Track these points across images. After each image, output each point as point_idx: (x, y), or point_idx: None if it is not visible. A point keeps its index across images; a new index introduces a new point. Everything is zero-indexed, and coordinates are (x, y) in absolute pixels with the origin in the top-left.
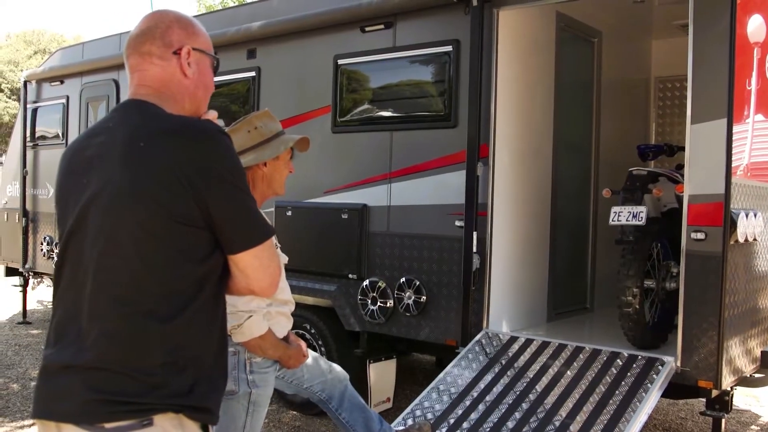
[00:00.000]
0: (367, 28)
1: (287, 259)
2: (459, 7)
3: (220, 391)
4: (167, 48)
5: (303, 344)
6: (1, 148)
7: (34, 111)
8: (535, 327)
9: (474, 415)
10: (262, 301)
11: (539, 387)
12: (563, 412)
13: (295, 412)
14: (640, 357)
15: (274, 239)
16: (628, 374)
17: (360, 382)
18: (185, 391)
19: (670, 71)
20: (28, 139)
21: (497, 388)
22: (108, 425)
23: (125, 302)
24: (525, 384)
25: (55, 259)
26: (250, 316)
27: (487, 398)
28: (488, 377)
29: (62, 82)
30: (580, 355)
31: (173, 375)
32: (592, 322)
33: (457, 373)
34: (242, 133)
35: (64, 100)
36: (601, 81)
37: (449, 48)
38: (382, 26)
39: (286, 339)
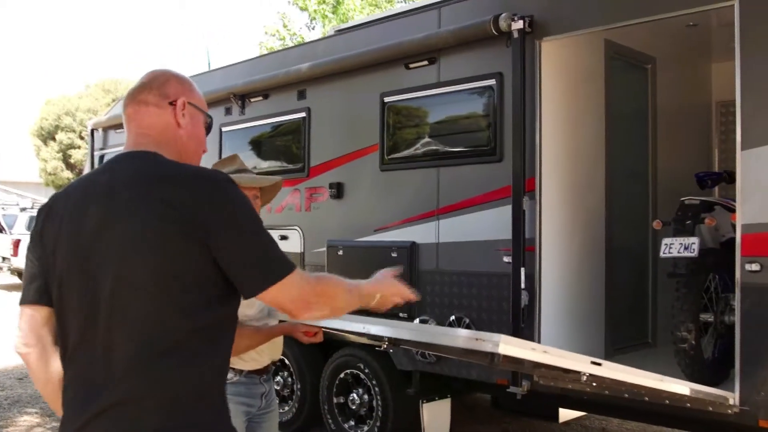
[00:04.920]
0: (411, 65)
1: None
2: (501, 40)
3: None
4: (163, 98)
5: None
6: None
7: (101, 158)
8: None
9: None
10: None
11: None
12: None
13: None
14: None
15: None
16: None
17: (414, 422)
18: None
19: (733, 95)
20: None
21: None
22: None
23: (142, 342)
24: None
25: (52, 312)
26: None
27: None
28: None
29: None
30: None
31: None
32: (655, 358)
33: None
34: None
35: None
36: (657, 108)
37: (492, 81)
38: (426, 62)
39: None
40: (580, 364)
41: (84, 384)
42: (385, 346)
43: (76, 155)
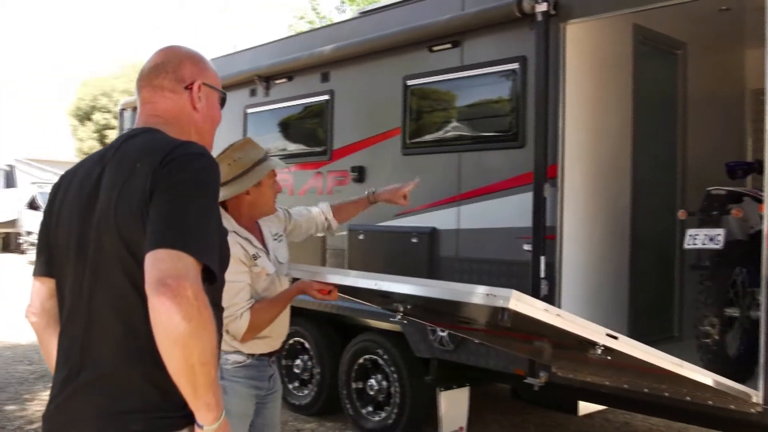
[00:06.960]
0: (434, 48)
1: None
2: (525, 23)
3: None
4: (179, 83)
5: None
6: None
7: None
8: None
9: None
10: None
11: None
12: None
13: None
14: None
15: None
16: None
17: (432, 410)
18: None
19: None
20: None
21: None
22: None
23: (119, 316)
24: None
25: (55, 284)
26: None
27: None
28: None
29: None
30: None
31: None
32: (680, 352)
33: None
34: (223, 165)
35: None
36: (687, 95)
37: (516, 65)
38: (449, 45)
39: None
40: (595, 334)
41: (68, 357)
42: (399, 316)
43: (112, 135)
